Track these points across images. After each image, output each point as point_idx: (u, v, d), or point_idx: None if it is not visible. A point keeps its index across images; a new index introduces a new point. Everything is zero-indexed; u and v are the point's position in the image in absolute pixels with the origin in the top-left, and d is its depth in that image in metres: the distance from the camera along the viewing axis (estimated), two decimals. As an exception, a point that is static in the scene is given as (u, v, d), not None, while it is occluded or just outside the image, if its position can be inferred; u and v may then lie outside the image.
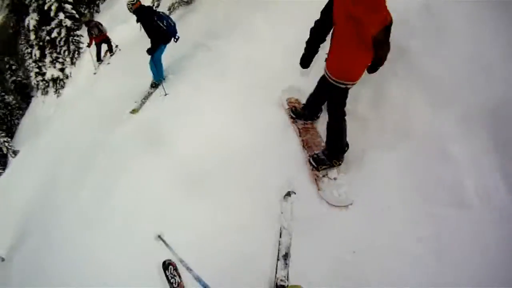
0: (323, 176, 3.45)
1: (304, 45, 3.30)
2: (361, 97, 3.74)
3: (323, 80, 3.34)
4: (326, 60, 3.18)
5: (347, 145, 3.45)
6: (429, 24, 3.73)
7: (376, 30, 2.77)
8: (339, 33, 2.95)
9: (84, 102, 10.64)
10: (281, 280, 2.93)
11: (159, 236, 3.62)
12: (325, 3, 2.93)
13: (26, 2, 18.49)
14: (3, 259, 9.81)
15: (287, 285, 2.87)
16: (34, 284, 6.19)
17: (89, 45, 12.13)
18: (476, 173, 2.90)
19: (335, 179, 3.40)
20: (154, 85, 6.88)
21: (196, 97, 5.58)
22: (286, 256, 3.06)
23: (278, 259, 3.03)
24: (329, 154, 3.45)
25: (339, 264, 2.89)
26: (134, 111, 6.67)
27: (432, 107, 3.35)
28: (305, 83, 4.19)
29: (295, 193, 3.44)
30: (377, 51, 2.96)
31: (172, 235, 3.69)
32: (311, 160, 3.55)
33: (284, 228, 3.22)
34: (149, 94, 6.89)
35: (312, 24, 3.11)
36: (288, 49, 4.78)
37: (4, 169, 25.29)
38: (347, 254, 2.92)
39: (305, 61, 3.41)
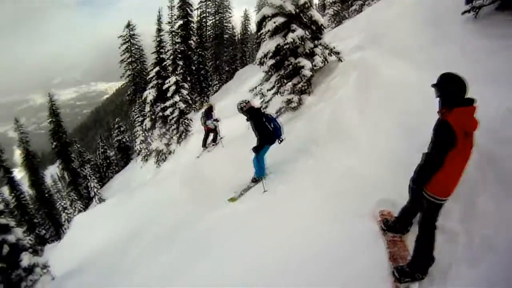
0: None
1: (424, 171, 3.33)
2: (451, 211, 3.81)
3: (418, 196, 3.55)
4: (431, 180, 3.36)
5: (432, 259, 3.51)
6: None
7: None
8: (455, 153, 3.14)
9: (182, 179, 11.69)
10: None
11: None
12: (443, 136, 3.10)
13: (147, 78, 21.46)
14: (53, 278, 10.99)
15: None
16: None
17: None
18: None
19: None
20: (255, 180, 7.51)
21: (291, 199, 6.06)
22: None
23: None
24: (413, 267, 3.56)
25: None
26: (232, 200, 7.37)
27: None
28: (399, 196, 4.35)
29: None
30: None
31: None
32: (395, 272, 3.67)
33: None
34: (249, 187, 7.51)
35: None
36: (385, 160, 5.32)
37: (85, 209, 27.87)
38: None
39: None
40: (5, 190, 30.91)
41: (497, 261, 3.24)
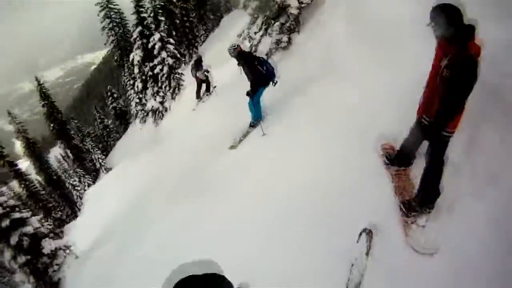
0: (412, 223, 3.52)
1: (450, 115, 3.11)
2: (454, 143, 3.55)
3: (423, 130, 3.44)
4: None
5: (439, 192, 3.48)
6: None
7: None
8: None
9: (182, 134, 11.82)
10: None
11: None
12: (472, 76, 2.85)
13: (131, 39, 20.89)
14: (77, 257, 11.57)
15: None
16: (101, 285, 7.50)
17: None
18: None
19: (423, 226, 3.47)
20: (253, 125, 7.48)
21: (291, 139, 6.08)
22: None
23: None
24: (420, 201, 3.53)
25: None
26: (232, 147, 7.45)
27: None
28: (399, 130, 4.26)
29: (371, 231, 3.60)
30: None
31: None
32: (402, 206, 3.64)
33: (354, 264, 3.44)
34: (248, 133, 7.52)
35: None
36: (381, 95, 5.15)
37: (94, 182, 28.52)
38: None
39: None
40: (15, 183, 31.41)
41: (500, 195, 3.21)
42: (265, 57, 7.48)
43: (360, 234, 3.65)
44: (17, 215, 11.19)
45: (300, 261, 3.88)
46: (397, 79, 5.07)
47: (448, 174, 3.52)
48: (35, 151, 31.59)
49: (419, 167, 3.64)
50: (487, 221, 3.15)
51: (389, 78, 5.28)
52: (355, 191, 4.21)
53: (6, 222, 10.81)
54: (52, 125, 31.27)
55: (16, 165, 29.58)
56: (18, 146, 33.28)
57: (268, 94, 7.28)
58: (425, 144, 3.61)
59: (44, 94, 30.39)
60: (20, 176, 29.47)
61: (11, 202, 11.56)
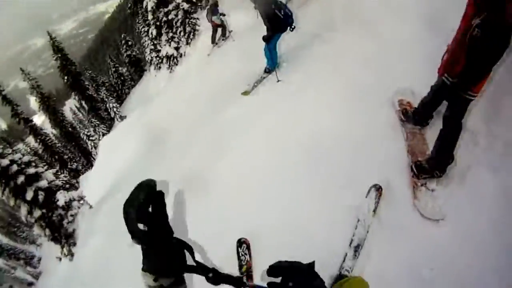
0: (422, 185, 3.46)
1: (476, 79, 2.93)
2: (473, 109, 3.47)
3: (444, 89, 3.29)
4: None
5: (452, 158, 3.36)
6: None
7: None
8: None
9: (196, 80, 11.63)
10: (346, 270, 3.10)
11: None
12: (506, 42, 2.67)
13: (144, -14, 20.21)
14: (91, 206, 11.80)
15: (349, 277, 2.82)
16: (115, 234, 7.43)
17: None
18: None
19: (433, 190, 3.39)
20: (268, 71, 7.29)
21: (307, 87, 5.86)
22: (357, 248, 3.23)
23: (348, 250, 3.25)
24: (433, 164, 3.42)
25: (411, 277, 2.95)
26: (245, 93, 7.30)
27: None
28: (418, 86, 4.15)
29: (381, 188, 3.52)
30: None
31: (257, 216, 4.09)
32: (413, 167, 3.55)
33: (360, 220, 3.39)
34: (262, 78, 7.35)
35: None
36: (406, 48, 4.90)
37: (109, 131, 28.87)
38: (423, 269, 2.94)
39: None
40: (31, 139, 31.77)
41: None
42: (284, 0, 7.08)
43: (370, 189, 3.58)
44: (31, 170, 11.46)
45: (308, 212, 3.86)
46: (423, 34, 4.84)
47: (464, 141, 3.41)
48: (50, 105, 31.46)
49: (435, 129, 3.45)
50: (498, 195, 3.06)
51: (414, 32, 5.04)
52: (368, 145, 4.11)
53: (21, 179, 11.08)
54: (66, 77, 31.14)
55: (31, 121, 29.71)
56: (33, 101, 33.51)
57: (285, 41, 7.09)
58: (444, 105, 3.40)
59: (57, 48, 29.95)
60: (35, 131, 29.68)
61: (26, 158, 11.78)
